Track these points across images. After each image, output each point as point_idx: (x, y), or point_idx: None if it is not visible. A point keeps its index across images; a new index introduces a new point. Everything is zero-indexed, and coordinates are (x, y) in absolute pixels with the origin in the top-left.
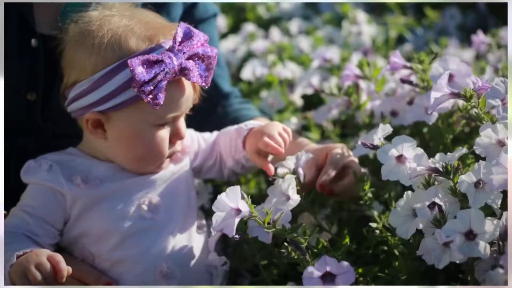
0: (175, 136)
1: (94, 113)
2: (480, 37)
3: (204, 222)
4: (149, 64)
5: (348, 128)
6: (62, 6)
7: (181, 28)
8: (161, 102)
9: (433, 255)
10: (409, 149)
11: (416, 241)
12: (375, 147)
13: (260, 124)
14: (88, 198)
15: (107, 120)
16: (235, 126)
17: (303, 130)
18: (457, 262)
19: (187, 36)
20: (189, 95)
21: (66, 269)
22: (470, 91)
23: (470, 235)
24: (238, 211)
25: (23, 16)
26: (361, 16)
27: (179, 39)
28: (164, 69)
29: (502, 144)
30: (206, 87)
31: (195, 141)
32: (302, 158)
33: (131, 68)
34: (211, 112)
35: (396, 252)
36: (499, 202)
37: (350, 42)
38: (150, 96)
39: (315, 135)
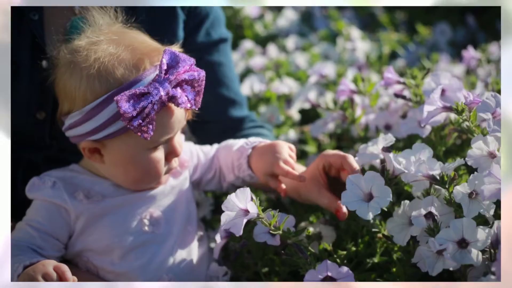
0: (171, 154)
1: (89, 141)
2: (470, 53)
3: (204, 233)
4: (135, 97)
5: (343, 141)
6: (68, 24)
7: (166, 55)
8: (151, 133)
9: (427, 262)
10: (426, 156)
11: (413, 248)
12: (388, 150)
13: (262, 141)
14: (91, 214)
15: (102, 147)
16: (237, 144)
17: (300, 143)
18: (451, 269)
19: (173, 63)
20: (181, 117)
21: (72, 278)
22: (462, 105)
23: (463, 243)
24: (247, 212)
25: (34, 38)
26: (355, 32)
27: (164, 67)
28: (151, 100)
29: (493, 155)
30: (197, 109)
31: (194, 155)
32: None
33: (118, 105)
34: (220, 138)
35: (394, 257)
36: (492, 212)
37: (344, 58)
38: (140, 129)
39: (312, 148)
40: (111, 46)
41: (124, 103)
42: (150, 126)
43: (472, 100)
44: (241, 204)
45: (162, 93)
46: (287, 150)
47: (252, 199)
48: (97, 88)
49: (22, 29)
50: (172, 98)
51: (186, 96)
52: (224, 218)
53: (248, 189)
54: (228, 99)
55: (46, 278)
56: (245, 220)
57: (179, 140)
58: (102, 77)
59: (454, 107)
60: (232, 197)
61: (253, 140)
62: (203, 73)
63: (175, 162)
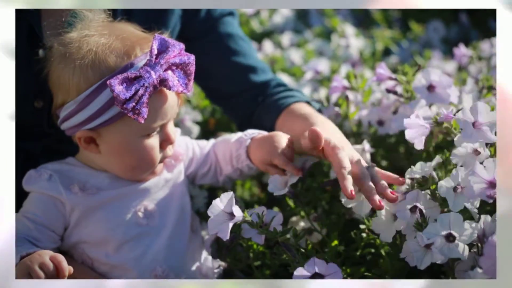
0: (165, 141)
1: (84, 131)
2: (461, 50)
3: (198, 225)
4: (128, 81)
5: None
6: (68, 15)
7: (156, 41)
8: (145, 116)
9: (415, 256)
10: None
11: (401, 243)
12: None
13: (260, 132)
14: (86, 206)
15: (98, 136)
16: (235, 136)
17: None
18: (438, 263)
19: (163, 48)
20: (173, 103)
21: (68, 268)
22: (436, 119)
23: (450, 238)
24: (232, 215)
25: (31, 27)
26: (349, 29)
27: (155, 52)
28: (143, 84)
29: (477, 152)
30: (188, 93)
31: (190, 148)
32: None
33: (111, 88)
34: (250, 107)
35: (382, 252)
36: (477, 205)
37: (339, 55)
38: (134, 112)
39: None
40: (102, 37)
41: (117, 86)
42: (144, 110)
43: (446, 114)
44: (226, 208)
45: (154, 76)
46: (285, 141)
47: (236, 202)
48: (90, 76)
49: (19, 18)
50: (164, 81)
51: (178, 79)
52: (210, 223)
53: (232, 193)
54: (247, 66)
55: (43, 267)
56: (231, 224)
57: (173, 128)
58: (95, 66)
59: (432, 119)
60: (217, 202)
61: (252, 132)
62: (192, 57)
63: (169, 150)
